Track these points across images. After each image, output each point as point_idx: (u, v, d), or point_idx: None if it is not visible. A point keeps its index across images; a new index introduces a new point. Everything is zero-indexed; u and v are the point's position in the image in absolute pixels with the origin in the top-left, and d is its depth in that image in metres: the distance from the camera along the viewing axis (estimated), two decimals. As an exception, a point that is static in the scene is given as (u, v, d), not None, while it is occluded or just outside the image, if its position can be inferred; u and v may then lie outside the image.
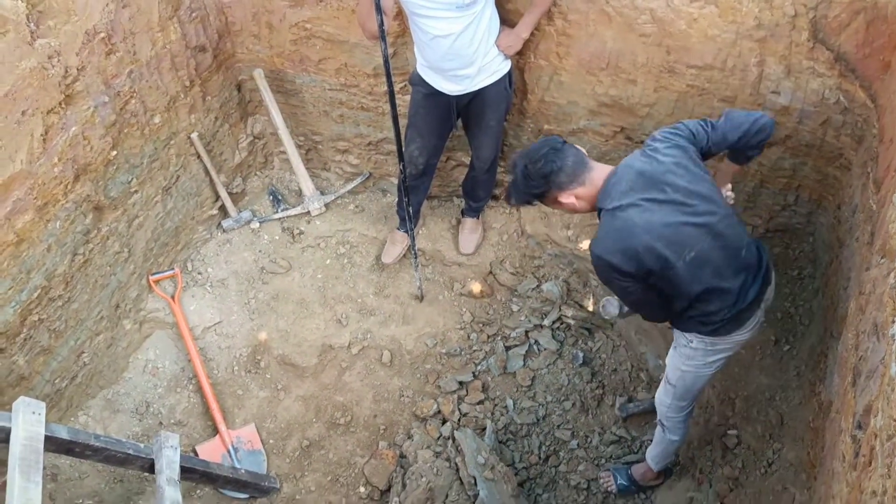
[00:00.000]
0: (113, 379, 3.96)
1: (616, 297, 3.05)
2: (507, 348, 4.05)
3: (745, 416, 3.52)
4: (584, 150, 2.73)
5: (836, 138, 3.47)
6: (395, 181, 4.57)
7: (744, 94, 3.49)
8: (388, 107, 4.21)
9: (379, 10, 3.12)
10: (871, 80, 3.20)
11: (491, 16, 3.41)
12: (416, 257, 4.10)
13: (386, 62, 3.32)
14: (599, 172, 2.63)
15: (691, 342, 2.81)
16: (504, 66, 3.57)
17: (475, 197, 4.21)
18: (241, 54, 4.28)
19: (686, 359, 2.88)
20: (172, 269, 4.16)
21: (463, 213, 4.37)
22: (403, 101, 4.16)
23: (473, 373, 4.00)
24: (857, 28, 3.09)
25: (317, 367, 4.08)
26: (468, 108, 3.69)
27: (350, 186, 4.58)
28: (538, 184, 2.62)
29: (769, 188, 3.82)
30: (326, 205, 4.52)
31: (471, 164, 4.08)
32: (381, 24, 3.16)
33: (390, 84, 3.42)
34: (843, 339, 2.90)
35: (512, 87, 3.72)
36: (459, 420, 3.83)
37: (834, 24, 3.12)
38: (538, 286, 4.19)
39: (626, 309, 3.10)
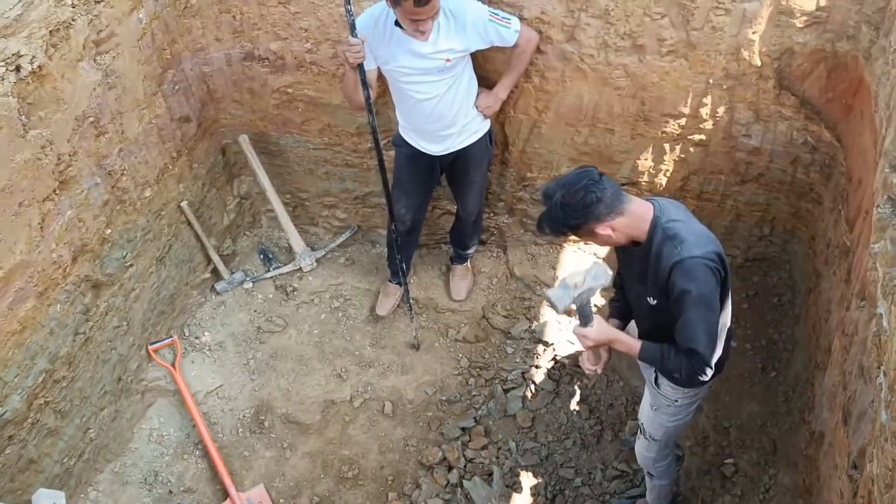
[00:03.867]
0: (119, 451, 3.99)
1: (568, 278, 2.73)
2: (506, 391, 4.16)
3: (740, 444, 3.68)
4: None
5: (805, 175, 3.66)
6: (383, 232, 4.68)
7: (717, 138, 3.67)
8: (372, 162, 4.34)
9: (365, 85, 3.23)
10: (835, 122, 3.39)
11: (469, 77, 3.54)
12: (410, 309, 4.20)
13: (374, 132, 3.43)
14: (637, 205, 2.62)
15: (676, 401, 2.93)
16: (484, 126, 3.70)
17: (463, 246, 4.33)
18: (224, 120, 4.35)
19: (671, 416, 3.00)
20: (170, 336, 4.21)
21: (452, 260, 4.48)
22: (388, 157, 4.27)
23: (475, 418, 4.10)
24: (820, 75, 3.28)
25: (320, 422, 4.15)
26: (452, 166, 3.81)
27: (339, 240, 4.67)
28: (577, 215, 2.56)
29: (745, 221, 4.00)
30: (317, 260, 4.61)
31: (457, 216, 4.20)
32: (368, 97, 3.27)
33: (379, 152, 3.53)
34: (829, 375, 3.06)
35: (493, 143, 3.85)
36: (465, 466, 3.93)
37: (797, 72, 3.31)
38: (530, 328, 4.31)
39: (576, 294, 2.69)
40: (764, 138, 3.59)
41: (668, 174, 3.89)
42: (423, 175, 3.87)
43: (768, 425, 3.67)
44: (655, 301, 2.71)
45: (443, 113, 3.50)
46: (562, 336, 4.26)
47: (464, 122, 3.59)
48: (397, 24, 3.23)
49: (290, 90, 4.13)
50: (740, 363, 3.90)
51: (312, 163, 4.47)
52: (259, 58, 4.05)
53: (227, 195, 4.58)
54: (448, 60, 3.31)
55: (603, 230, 2.60)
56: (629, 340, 2.81)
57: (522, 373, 4.21)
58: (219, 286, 4.49)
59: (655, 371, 2.93)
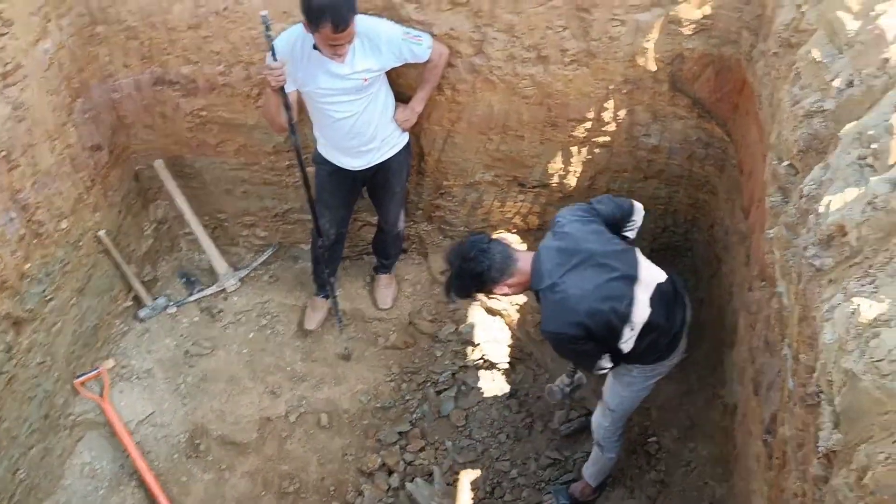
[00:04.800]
0: (51, 489, 3.89)
1: (559, 381, 3.68)
2: (438, 393, 4.29)
3: (661, 423, 3.94)
4: (507, 243, 3.02)
5: (701, 168, 3.96)
6: (305, 248, 4.74)
7: (619, 139, 3.92)
8: (291, 179, 4.42)
9: (288, 107, 3.30)
10: (724, 119, 3.70)
11: (386, 93, 3.66)
12: (340, 321, 4.28)
13: (297, 152, 3.50)
14: (524, 262, 2.94)
15: (631, 371, 3.17)
16: (403, 139, 3.83)
17: (387, 255, 4.45)
18: (136, 146, 4.31)
19: (626, 385, 3.25)
20: (96, 368, 4.14)
21: (375, 270, 4.58)
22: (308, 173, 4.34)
23: (410, 421, 4.22)
24: (708, 77, 3.57)
25: (258, 440, 4.17)
26: (373, 180, 3.92)
27: (262, 259, 4.70)
28: (473, 283, 2.95)
29: (650, 214, 4.24)
30: (241, 279, 4.62)
31: (379, 227, 4.31)
32: (291, 118, 3.34)
33: (303, 171, 3.60)
34: (738, 352, 3.35)
35: (410, 154, 3.98)
36: (405, 469, 4.04)
37: (688, 75, 3.59)
38: (457, 329, 4.47)
39: (567, 390, 3.67)
40: (662, 137, 3.86)
41: (577, 175, 4.12)
42: (344, 190, 3.96)
43: (684, 403, 3.95)
44: None
45: (362, 129, 3.61)
46: (488, 335, 4.44)
47: (383, 137, 3.71)
48: (315, 47, 3.32)
49: (203, 113, 4.14)
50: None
51: (230, 183, 4.49)
52: (170, 82, 4.05)
53: (144, 221, 4.53)
54: (365, 80, 3.42)
55: (500, 290, 2.99)
56: None
57: (453, 374, 4.35)
58: (142, 313, 4.43)
59: None
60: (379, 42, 3.37)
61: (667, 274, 3.16)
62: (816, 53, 2.66)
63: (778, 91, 2.94)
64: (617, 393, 3.30)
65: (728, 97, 3.60)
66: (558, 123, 3.88)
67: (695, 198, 4.12)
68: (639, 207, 3.25)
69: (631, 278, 2.95)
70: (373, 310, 4.54)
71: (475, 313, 4.51)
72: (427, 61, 3.53)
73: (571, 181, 4.15)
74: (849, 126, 2.35)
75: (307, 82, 3.41)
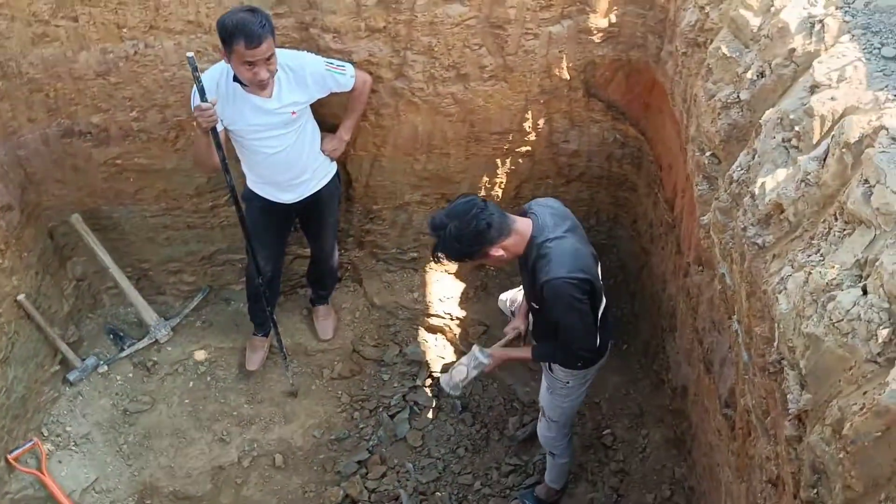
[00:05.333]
0: (-5, 577, 3.65)
1: (457, 370, 3.31)
2: (391, 416, 4.29)
3: (612, 414, 4.09)
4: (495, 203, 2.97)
5: (619, 167, 4.16)
6: (236, 289, 4.64)
7: (540, 147, 4.07)
8: (216, 220, 4.36)
9: (220, 146, 3.25)
10: (637, 119, 3.91)
11: (312, 124, 3.66)
12: (285, 357, 4.21)
13: (232, 191, 3.44)
14: (521, 223, 2.91)
15: (567, 383, 3.26)
16: (332, 168, 3.84)
17: (323, 286, 4.42)
18: (47, 202, 4.11)
19: (564, 397, 3.34)
20: (30, 440, 3.90)
21: (312, 302, 4.54)
22: (231, 212, 4.26)
23: (368, 449, 4.19)
24: (619, 81, 3.77)
25: (213, 491, 4.04)
26: (306, 212, 3.90)
27: (192, 304, 4.56)
28: (472, 242, 2.80)
29: (575, 216, 4.43)
30: (173, 328, 4.46)
31: (313, 258, 4.28)
32: (223, 158, 3.29)
33: (240, 210, 3.55)
34: (681, 336, 3.53)
35: (340, 183, 3.98)
36: (370, 497, 4.01)
37: (601, 80, 3.77)
38: (401, 351, 4.48)
39: (463, 381, 3.28)
40: (580, 141, 4.03)
41: (503, 186, 4.24)
42: (278, 224, 3.93)
43: (631, 392, 4.11)
44: (537, 306, 3.06)
45: (293, 163, 3.59)
46: (432, 353, 4.47)
47: (314, 168, 3.70)
48: (236, 79, 3.29)
49: (118, 161, 4.01)
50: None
51: (151, 231, 4.35)
52: (80, 133, 3.90)
53: (63, 280, 4.32)
54: (293, 113, 3.42)
55: (495, 251, 2.88)
56: (520, 353, 3.37)
57: (403, 395, 4.36)
58: (71, 376, 4.22)
59: None
60: (304, 74, 3.37)
61: None
62: (725, 49, 2.87)
63: (691, 87, 3.14)
64: (556, 405, 3.39)
65: (639, 98, 3.81)
66: (482, 138, 3.99)
67: (616, 196, 4.32)
68: None
69: (596, 257, 3.10)
70: (314, 342, 4.49)
71: (417, 333, 4.54)
72: (351, 90, 3.55)
73: (498, 192, 4.27)
74: (768, 112, 2.54)
75: (236, 120, 3.37)
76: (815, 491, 2.01)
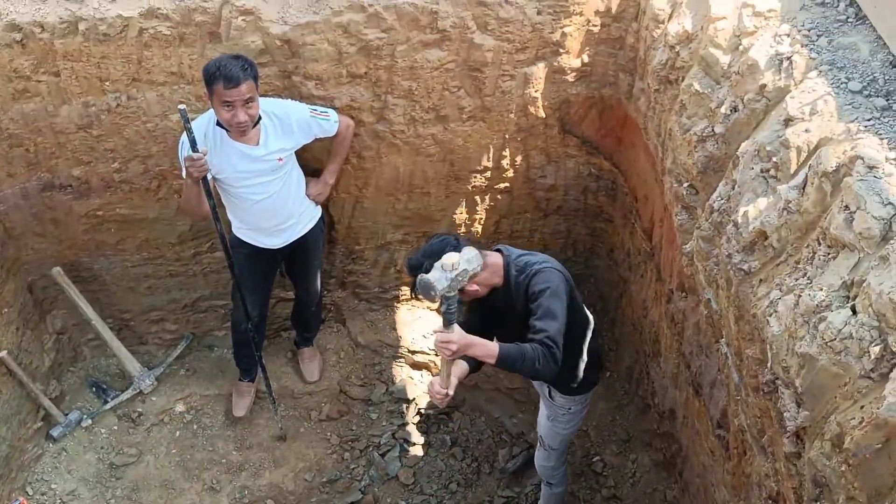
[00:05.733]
0: None
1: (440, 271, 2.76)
2: (382, 455, 4.30)
3: (600, 440, 4.16)
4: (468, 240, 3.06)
5: (595, 200, 4.29)
6: (220, 335, 4.64)
7: (518, 183, 4.18)
8: (198, 267, 4.37)
9: (210, 194, 3.29)
10: (611, 153, 4.06)
11: (297, 170, 3.72)
12: (274, 402, 4.20)
13: (222, 239, 3.47)
14: (492, 255, 3.00)
15: (570, 408, 3.34)
16: (317, 212, 3.89)
17: (308, 328, 4.44)
18: (27, 256, 4.08)
19: (566, 423, 3.41)
20: (17, 500, 3.82)
21: (297, 344, 4.55)
22: (214, 258, 4.29)
23: (360, 490, 4.19)
24: (593, 117, 3.92)
25: (205, 541, 4.00)
26: (292, 255, 3.93)
27: (176, 353, 4.53)
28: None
29: (552, 249, 4.54)
30: (157, 378, 4.43)
31: (299, 300, 4.30)
32: (214, 206, 3.32)
33: (228, 255, 3.57)
34: (665, 361, 3.64)
35: (324, 225, 4.03)
36: (366, 538, 4.02)
37: (575, 117, 3.91)
38: (388, 390, 4.51)
39: (454, 276, 2.72)
40: (557, 175, 4.16)
41: (482, 222, 4.34)
42: (265, 270, 3.96)
43: (618, 418, 4.20)
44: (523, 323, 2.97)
45: (279, 209, 3.64)
46: (419, 390, 4.51)
47: (299, 213, 3.75)
48: (219, 125, 3.33)
49: (99, 213, 4.01)
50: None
51: (133, 280, 4.33)
52: (60, 186, 3.89)
53: (44, 334, 4.26)
54: (280, 160, 3.48)
55: (471, 287, 2.90)
56: (487, 343, 2.88)
57: (392, 434, 4.38)
58: (54, 432, 4.15)
59: (548, 385, 3.30)
60: (290, 121, 3.44)
61: None
62: (697, 86, 3.02)
63: (665, 122, 3.29)
64: (556, 433, 3.46)
65: (612, 132, 3.96)
66: (461, 176, 4.09)
67: (592, 227, 4.44)
68: None
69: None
70: (301, 385, 4.49)
71: (402, 371, 4.58)
72: (335, 135, 3.63)
73: (477, 228, 4.36)
74: (745, 144, 2.69)
75: (224, 168, 3.41)
76: (819, 504, 2.10)
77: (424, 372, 4.59)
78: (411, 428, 4.41)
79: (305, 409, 4.48)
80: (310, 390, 4.50)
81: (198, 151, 3.13)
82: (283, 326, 4.67)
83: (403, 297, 4.67)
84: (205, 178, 3.24)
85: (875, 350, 1.90)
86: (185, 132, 3.11)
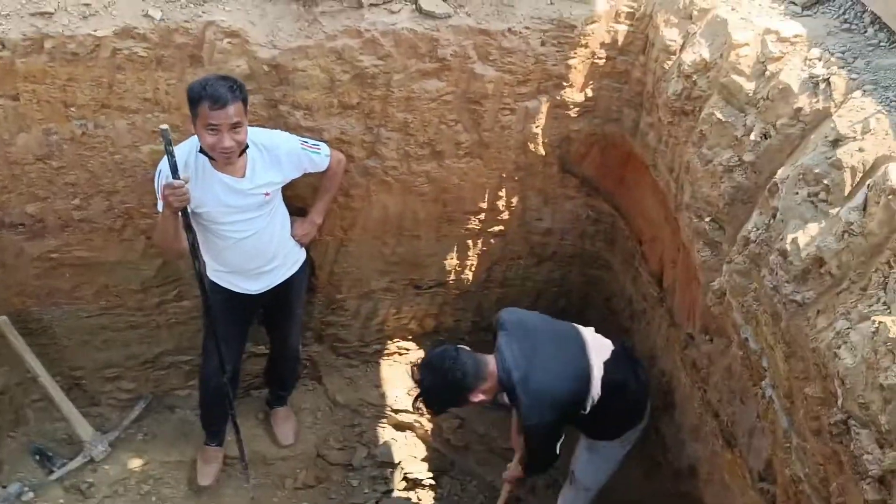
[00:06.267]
0: None
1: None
2: (364, 526, 3.91)
3: (606, 505, 3.85)
4: (469, 349, 3.01)
5: (592, 245, 4.09)
6: (182, 394, 4.22)
7: (513, 226, 3.97)
8: (162, 318, 3.98)
9: (190, 228, 2.95)
10: (611, 193, 3.88)
11: (283, 207, 3.42)
12: (246, 467, 3.78)
13: (200, 279, 3.12)
14: (491, 363, 2.95)
15: (614, 448, 3.24)
16: (301, 255, 3.58)
17: (284, 386, 4.06)
18: (-33, 304, 3.64)
19: (606, 460, 3.34)
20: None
21: (269, 404, 4.15)
22: (181, 307, 3.93)
23: (342, 566, 3.78)
24: (594, 155, 3.74)
25: None
26: (273, 302, 3.58)
27: (133, 415, 4.07)
28: (449, 395, 2.93)
29: (545, 298, 4.33)
30: (111, 444, 3.95)
31: (275, 355, 3.94)
32: (193, 241, 2.99)
33: (206, 298, 3.21)
34: (682, 412, 3.38)
35: (308, 270, 3.72)
36: None
37: (576, 156, 3.74)
38: (370, 453, 4.13)
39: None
40: (554, 218, 3.96)
41: (473, 268, 4.09)
42: (240, 318, 3.59)
43: (623, 479, 3.89)
44: None
45: (263, 248, 3.32)
46: (404, 453, 4.14)
47: (284, 254, 3.43)
48: (202, 152, 3.02)
49: (54, 255, 3.61)
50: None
51: (87, 333, 3.91)
52: (10, 224, 3.50)
53: (-19, 394, 3.79)
54: (267, 194, 3.17)
55: (475, 397, 2.94)
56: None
57: (376, 502, 3.99)
58: (-10, 507, 3.64)
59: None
60: (279, 153, 3.15)
61: (613, 339, 3.29)
62: (719, 115, 2.87)
63: (681, 155, 3.12)
64: (595, 469, 3.36)
65: (613, 172, 3.79)
66: (454, 218, 3.85)
67: (587, 275, 4.23)
68: None
69: (581, 344, 3.09)
70: (274, 449, 4.08)
71: (385, 432, 4.21)
72: (326, 170, 3.35)
73: (468, 275, 4.11)
74: (783, 170, 2.52)
75: (205, 202, 3.07)
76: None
77: (409, 433, 4.24)
78: (397, 494, 4.02)
79: (279, 475, 4.05)
80: (284, 455, 4.09)
81: (178, 178, 2.80)
82: (252, 384, 4.27)
83: (386, 352, 4.35)
84: (185, 209, 2.90)
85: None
86: (165, 156, 2.79)
